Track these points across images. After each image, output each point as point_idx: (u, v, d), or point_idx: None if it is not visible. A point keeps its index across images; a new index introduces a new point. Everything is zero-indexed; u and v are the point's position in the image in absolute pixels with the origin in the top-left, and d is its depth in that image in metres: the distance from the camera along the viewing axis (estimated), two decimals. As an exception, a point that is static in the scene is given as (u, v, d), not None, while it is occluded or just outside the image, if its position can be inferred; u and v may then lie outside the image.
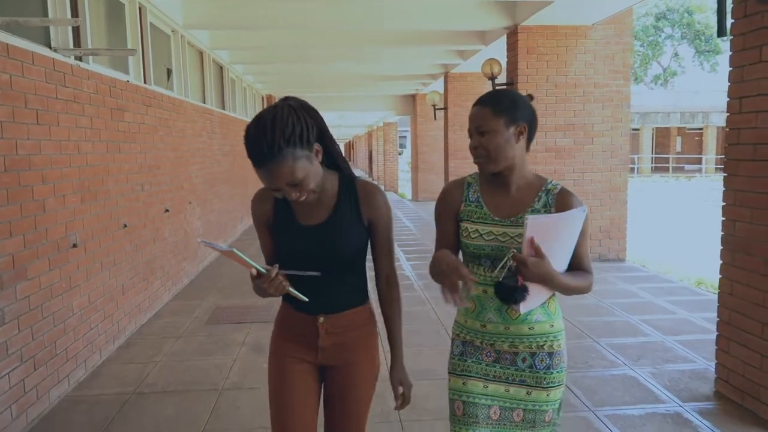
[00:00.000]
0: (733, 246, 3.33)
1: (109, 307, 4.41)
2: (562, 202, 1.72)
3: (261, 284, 1.57)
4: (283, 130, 1.51)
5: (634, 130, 32.83)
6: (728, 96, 3.33)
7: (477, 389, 1.77)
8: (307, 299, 1.63)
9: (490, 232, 1.72)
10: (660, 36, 40.97)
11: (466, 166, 11.27)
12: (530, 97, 1.79)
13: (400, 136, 29.60)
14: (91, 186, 4.15)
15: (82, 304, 3.97)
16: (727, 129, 3.35)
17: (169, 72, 6.61)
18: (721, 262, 3.45)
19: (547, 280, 1.59)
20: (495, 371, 1.77)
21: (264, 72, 11.70)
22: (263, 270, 1.56)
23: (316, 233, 1.69)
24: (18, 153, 3.22)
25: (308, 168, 1.56)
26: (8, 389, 3.07)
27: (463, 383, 1.78)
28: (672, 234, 11.34)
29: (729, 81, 3.32)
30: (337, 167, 1.76)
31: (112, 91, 4.58)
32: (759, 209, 3.12)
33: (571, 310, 5.30)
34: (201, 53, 8.17)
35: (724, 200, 3.41)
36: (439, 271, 1.59)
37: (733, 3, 3.23)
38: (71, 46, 4.05)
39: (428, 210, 13.54)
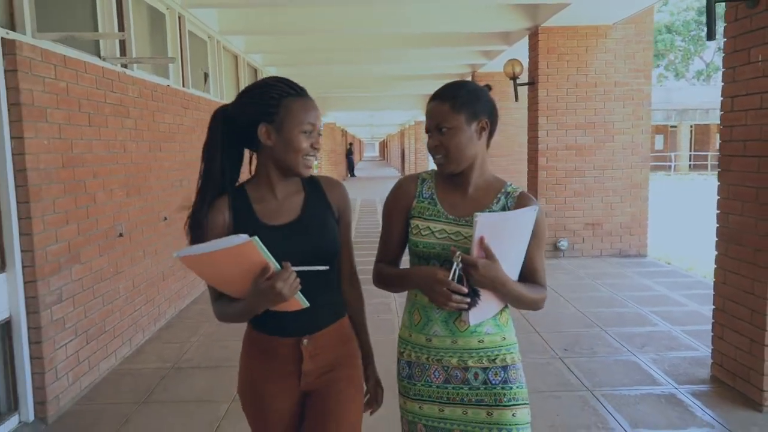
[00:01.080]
0: (727, 237, 3.52)
1: (151, 291, 4.85)
2: (522, 205, 1.60)
3: (274, 285, 1.39)
4: None
5: (671, 127, 32.21)
6: (722, 95, 3.51)
7: (433, 413, 1.63)
8: (308, 304, 1.47)
9: (443, 230, 1.60)
10: (702, 31, 39.99)
11: (494, 167, 11.46)
12: (488, 87, 1.69)
13: (433, 135, 29.86)
14: (135, 182, 4.58)
15: (128, 288, 4.40)
16: (722, 126, 3.54)
17: (205, 76, 7.06)
18: (716, 253, 3.63)
19: (499, 285, 1.48)
20: (448, 393, 1.62)
21: (296, 74, 12.11)
22: (277, 266, 1.40)
23: (291, 233, 1.56)
24: (73, 152, 3.66)
25: None
26: (65, 358, 3.51)
27: (420, 407, 1.64)
28: (702, 232, 11.27)
29: (723, 81, 3.50)
30: None
31: (153, 95, 5.02)
32: (749, 202, 3.30)
33: (583, 301, 5.50)
34: (236, 57, 8.62)
35: (718, 194, 3.59)
36: (427, 292, 1.52)
37: (725, 7, 3.41)
38: (118, 55, 4.49)
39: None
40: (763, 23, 3.14)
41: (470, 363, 1.59)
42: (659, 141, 30.32)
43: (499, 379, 1.59)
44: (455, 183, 1.66)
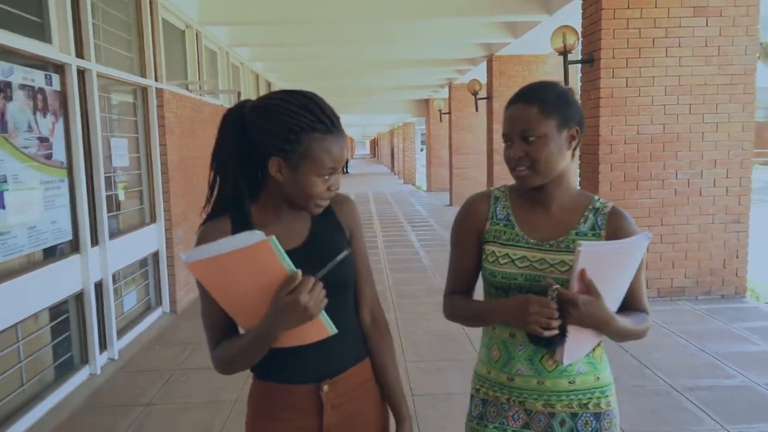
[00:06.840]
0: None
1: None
2: (615, 224, 1.37)
3: (297, 298, 1.10)
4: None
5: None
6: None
7: None
8: (336, 330, 1.18)
9: (524, 257, 1.37)
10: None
11: (467, 162, 13.79)
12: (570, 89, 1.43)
13: (422, 133, 32.11)
14: (207, 172, 6.80)
15: (207, 243, 6.64)
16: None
17: (239, 95, 9.28)
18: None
19: (602, 325, 1.25)
20: None
21: (304, 87, 14.39)
22: (293, 269, 1.11)
23: (298, 258, 1.16)
24: (183, 153, 5.89)
25: None
26: (183, 278, 5.75)
27: None
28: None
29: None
30: None
31: (217, 112, 7.24)
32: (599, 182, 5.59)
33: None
34: (257, 76, 10.88)
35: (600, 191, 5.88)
36: (520, 321, 1.27)
37: (581, 64, 5.70)
38: (198, 88, 6.72)
39: (438, 198, 16.04)
40: (595, 76, 5.42)
41: (558, 407, 1.38)
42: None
43: (590, 429, 1.38)
44: (535, 200, 1.43)
